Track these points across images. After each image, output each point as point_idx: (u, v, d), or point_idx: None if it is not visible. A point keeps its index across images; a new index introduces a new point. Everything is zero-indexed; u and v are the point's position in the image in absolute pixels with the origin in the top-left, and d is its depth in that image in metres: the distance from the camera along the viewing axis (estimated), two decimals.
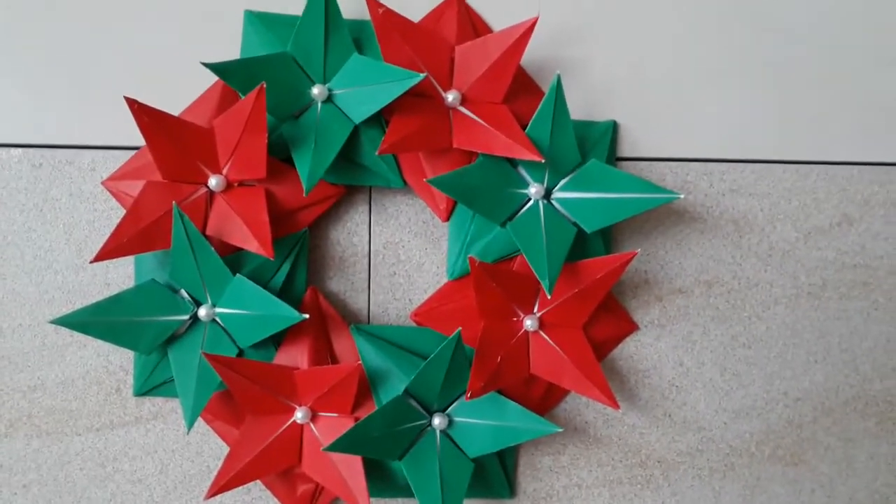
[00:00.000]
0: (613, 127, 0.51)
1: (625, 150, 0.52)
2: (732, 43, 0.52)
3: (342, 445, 0.44)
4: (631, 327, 0.52)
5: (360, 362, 0.46)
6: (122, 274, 0.50)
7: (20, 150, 0.49)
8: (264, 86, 0.43)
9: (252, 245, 0.45)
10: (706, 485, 0.53)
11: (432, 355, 0.45)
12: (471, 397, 0.45)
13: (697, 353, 0.53)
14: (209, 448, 0.51)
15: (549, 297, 0.46)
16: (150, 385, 0.49)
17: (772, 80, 0.52)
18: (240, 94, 0.47)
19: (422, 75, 0.45)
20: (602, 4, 0.51)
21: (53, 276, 0.50)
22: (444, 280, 0.51)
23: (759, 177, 0.52)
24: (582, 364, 0.48)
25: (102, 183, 0.48)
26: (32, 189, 0.49)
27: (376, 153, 0.45)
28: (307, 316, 0.44)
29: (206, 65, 0.43)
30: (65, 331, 0.49)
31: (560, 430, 0.46)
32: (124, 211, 0.48)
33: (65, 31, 0.49)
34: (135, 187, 0.47)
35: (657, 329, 0.52)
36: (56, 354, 0.50)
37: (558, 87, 0.46)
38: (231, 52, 0.50)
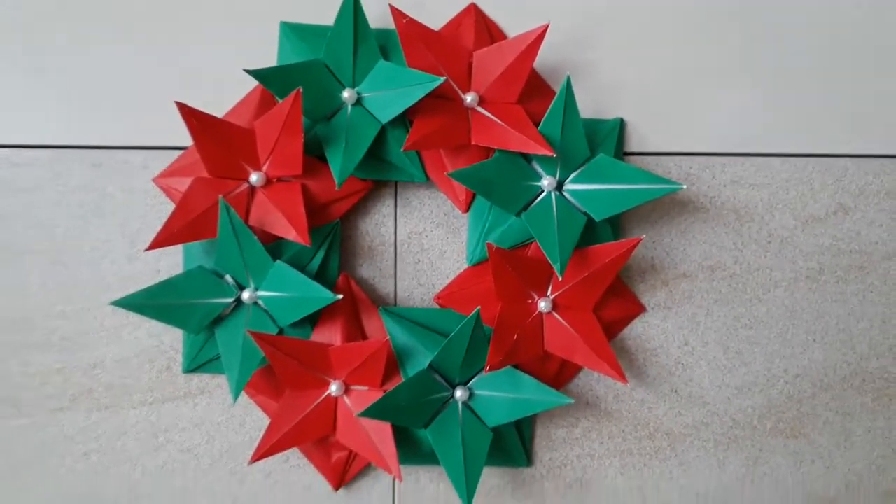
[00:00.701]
0: (621, 124, 0.55)
1: (632, 145, 0.56)
2: (731, 45, 0.55)
3: (373, 412, 0.48)
4: (639, 309, 0.56)
5: (387, 338, 0.50)
6: (171, 262, 0.54)
7: (81, 151, 0.54)
8: (300, 91, 0.48)
9: (291, 234, 0.49)
10: (711, 455, 0.56)
11: (454, 333, 0.49)
12: (489, 370, 0.50)
13: (702, 333, 0.56)
14: (251, 420, 0.55)
15: (560, 280, 0.50)
16: (198, 363, 0.54)
17: (769, 78, 0.56)
18: (277, 98, 0.51)
19: (442, 79, 0.48)
20: (610, 11, 0.55)
21: (110, 264, 0.54)
22: (465, 266, 0.55)
23: (758, 169, 0.56)
24: (593, 342, 0.52)
25: (153, 180, 0.53)
26: (91, 186, 0.54)
27: (401, 150, 0.49)
28: (341, 296, 0.49)
29: (247, 71, 0.48)
30: (121, 313, 0.54)
31: (572, 401, 0.50)
32: (173, 205, 0.53)
33: (121, 44, 0.54)
34: (183, 183, 0.52)
35: (664, 311, 0.56)
36: (113, 335, 0.54)
37: (568, 88, 0.50)
38: (268, 59, 0.54)
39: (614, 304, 0.54)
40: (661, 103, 0.55)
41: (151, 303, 0.50)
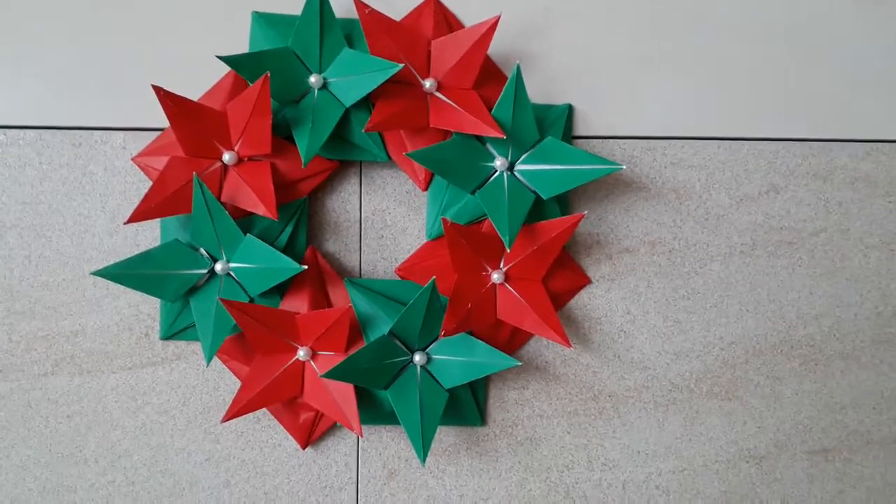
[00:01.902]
0: (569, 109, 0.59)
1: (579, 129, 0.59)
2: (671, 35, 0.59)
3: (337, 374, 0.52)
4: (584, 281, 0.60)
5: (350, 306, 0.54)
6: (148, 237, 0.58)
7: (62, 131, 0.58)
8: (269, 75, 0.51)
9: (260, 209, 0.53)
10: (651, 416, 0.61)
11: (412, 301, 0.53)
12: (444, 336, 0.54)
13: (643, 304, 0.61)
14: (224, 384, 0.59)
15: (510, 253, 0.54)
16: (174, 330, 0.57)
17: (707, 67, 0.60)
18: (248, 83, 0.55)
19: (401, 65, 0.52)
20: (559, 4, 0.59)
21: (91, 238, 0.58)
22: (424, 241, 0.59)
23: (696, 151, 0.60)
24: (541, 311, 0.56)
25: (132, 159, 0.56)
26: (73, 164, 0.58)
27: (364, 131, 0.53)
28: (306, 267, 0.53)
29: (220, 57, 0.51)
30: (101, 284, 0.58)
31: (520, 363, 0.54)
32: (151, 183, 0.57)
33: (101, 32, 0.57)
34: (160, 162, 0.55)
35: (608, 283, 0.60)
36: (94, 304, 0.58)
37: (518, 75, 0.54)
38: (240, 47, 0.57)
39: (562, 276, 0.59)
40: (606, 90, 0.60)
41: (130, 272, 0.53)
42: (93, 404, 0.58)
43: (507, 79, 0.59)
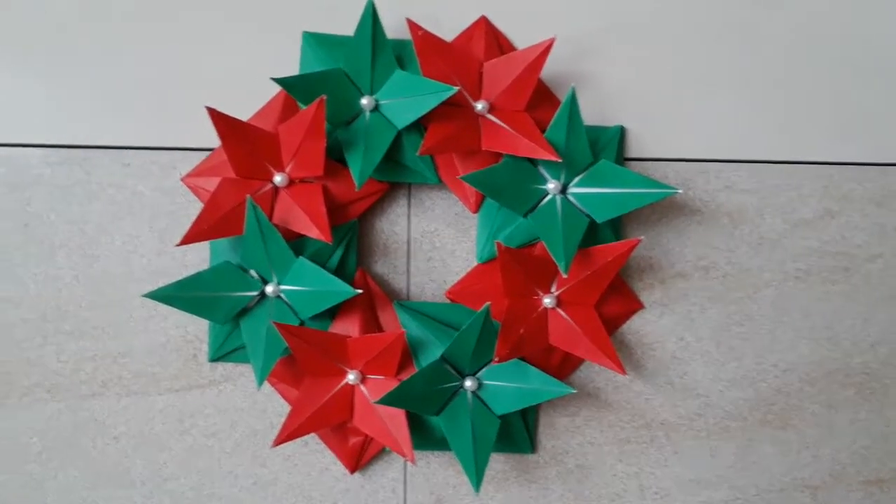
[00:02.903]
0: (621, 131, 0.59)
1: (631, 151, 0.59)
2: (725, 57, 0.59)
3: (391, 399, 0.51)
4: (637, 306, 0.59)
5: (403, 331, 0.53)
6: (197, 258, 0.58)
7: (112, 151, 0.58)
8: (325, 98, 0.51)
9: (313, 232, 0.53)
10: (704, 444, 0.60)
11: (465, 326, 0.52)
12: (497, 362, 0.53)
13: (696, 329, 0.60)
14: (272, 407, 0.58)
15: (565, 278, 0.53)
16: (223, 352, 0.57)
17: (759, 88, 0.59)
18: (300, 104, 0.55)
19: (455, 88, 0.52)
20: (612, 27, 0.58)
21: (139, 258, 0.58)
22: (474, 264, 0.58)
23: (749, 174, 0.59)
24: (594, 336, 0.55)
25: (182, 179, 0.56)
26: (122, 184, 0.58)
27: (417, 154, 0.53)
28: (361, 291, 0.52)
29: (274, 79, 0.51)
30: (149, 304, 0.57)
31: (574, 391, 0.53)
32: (201, 204, 0.56)
33: (152, 52, 0.57)
34: (210, 183, 0.55)
35: (660, 308, 0.59)
36: (141, 326, 0.58)
37: (573, 97, 0.54)
38: (291, 68, 0.57)
39: (614, 300, 0.58)
40: (658, 112, 0.59)
41: (182, 295, 0.53)
42: (140, 426, 0.58)
43: (558, 100, 0.58)
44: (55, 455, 0.58)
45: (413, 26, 0.53)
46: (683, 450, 0.60)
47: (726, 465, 0.60)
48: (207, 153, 0.56)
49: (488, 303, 0.52)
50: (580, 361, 0.59)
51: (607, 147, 0.57)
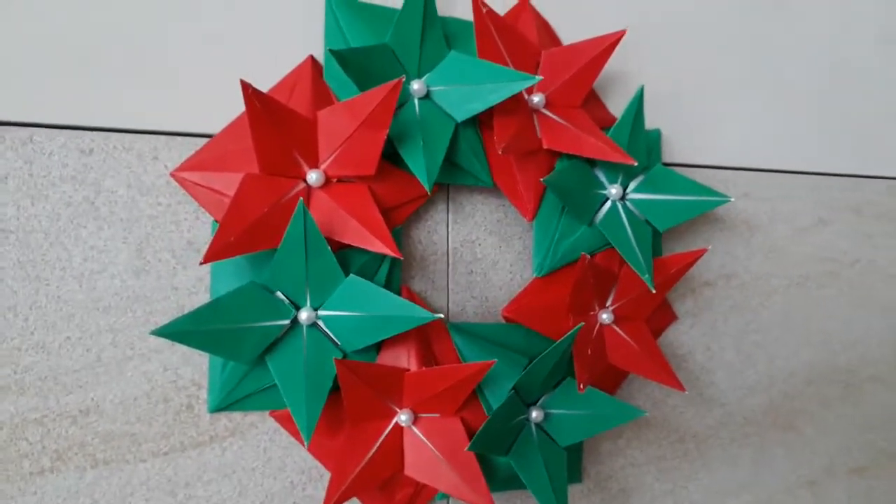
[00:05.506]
0: (659, 135, 0.56)
1: (664, 156, 0.57)
2: (745, 75, 0.59)
3: (479, 444, 0.43)
4: (672, 318, 0.57)
5: (484, 363, 0.45)
6: (190, 276, 0.44)
7: (65, 132, 0.42)
8: (402, 80, 0.41)
9: (375, 245, 0.42)
10: (727, 453, 0.59)
11: (547, 351, 0.45)
12: (583, 389, 0.47)
13: (719, 338, 0.59)
14: (292, 462, 0.46)
15: (653, 292, 0.49)
16: (231, 400, 0.44)
17: (783, 100, 0.60)
18: (333, 91, 0.45)
19: (539, 77, 0.45)
20: (650, 31, 0.56)
21: (109, 280, 0.42)
22: (517, 277, 0.52)
23: (765, 183, 0.60)
24: (651, 353, 0.52)
25: (171, 174, 0.43)
26: (81, 179, 0.42)
27: (500, 153, 0.45)
28: (441, 315, 0.43)
29: (331, 51, 0.41)
30: (124, 344, 0.42)
31: (646, 413, 0.49)
32: (194, 207, 0.44)
33: (124, 7, 0.43)
34: (212, 179, 0.43)
35: (691, 318, 0.58)
36: (114, 371, 0.43)
37: (640, 98, 0.50)
38: (305, 35, 0.46)
39: (657, 314, 0.55)
40: (688, 118, 0.57)
41: (199, 329, 0.40)
42: None
43: (599, 99, 0.54)
44: None
45: (478, 2, 0.45)
46: (710, 461, 0.59)
47: (745, 472, 0.60)
48: (201, 139, 0.44)
49: (582, 323, 0.46)
50: (623, 379, 0.55)
51: (653, 151, 0.54)
